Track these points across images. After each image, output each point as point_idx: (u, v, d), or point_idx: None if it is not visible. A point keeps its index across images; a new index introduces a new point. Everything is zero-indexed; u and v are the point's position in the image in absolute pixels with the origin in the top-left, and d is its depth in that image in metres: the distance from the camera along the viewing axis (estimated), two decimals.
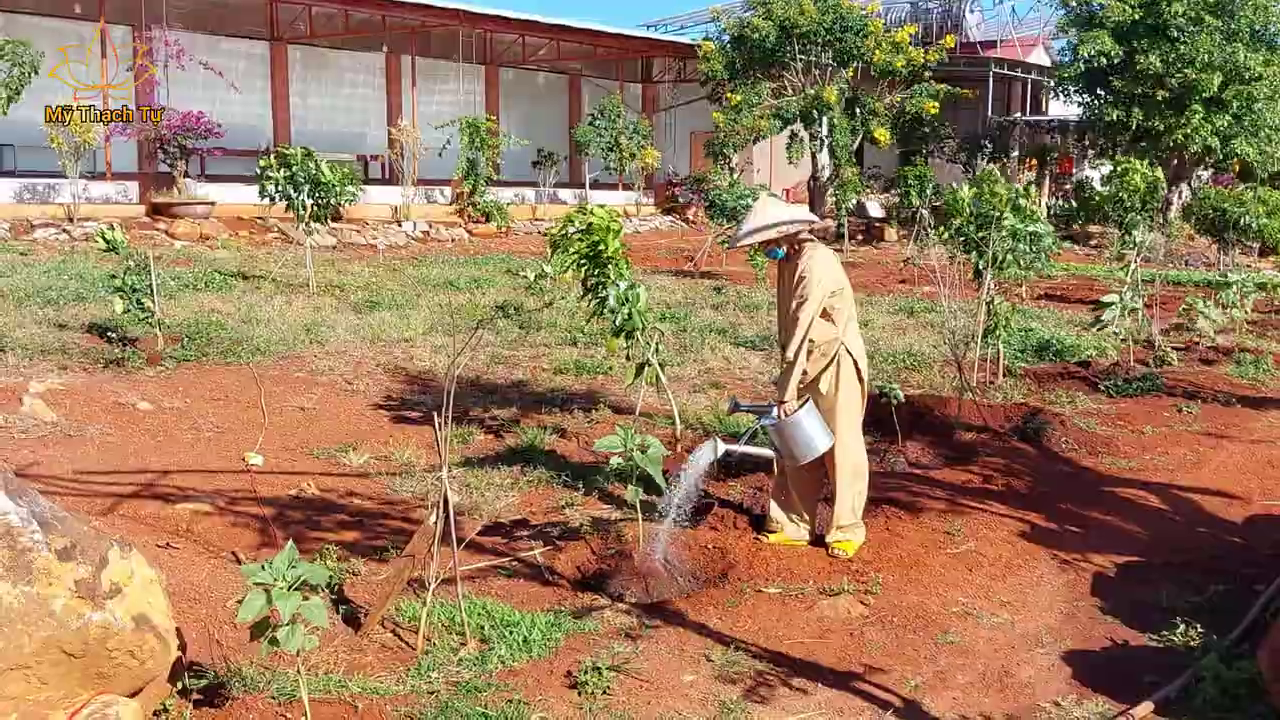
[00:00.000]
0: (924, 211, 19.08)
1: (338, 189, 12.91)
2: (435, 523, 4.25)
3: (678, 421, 6.62)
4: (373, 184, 21.02)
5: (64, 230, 15.73)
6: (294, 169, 12.68)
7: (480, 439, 7.51)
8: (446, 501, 4.27)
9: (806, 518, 5.58)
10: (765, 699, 4.06)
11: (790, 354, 5.23)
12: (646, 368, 7.07)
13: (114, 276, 9.39)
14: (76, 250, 14.65)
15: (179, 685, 3.59)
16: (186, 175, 17.86)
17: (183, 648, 3.64)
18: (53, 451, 6.63)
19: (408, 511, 6.01)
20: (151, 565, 3.51)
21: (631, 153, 24.41)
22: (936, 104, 23.75)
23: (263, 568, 3.38)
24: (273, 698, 3.63)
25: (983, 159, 27.22)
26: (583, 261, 6.28)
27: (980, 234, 8.62)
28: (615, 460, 5.16)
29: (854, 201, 22.87)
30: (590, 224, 6.08)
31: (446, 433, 4.25)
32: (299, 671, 3.54)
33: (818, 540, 5.51)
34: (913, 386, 9.18)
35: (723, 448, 5.30)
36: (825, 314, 5.30)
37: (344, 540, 5.48)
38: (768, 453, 5.51)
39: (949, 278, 8.61)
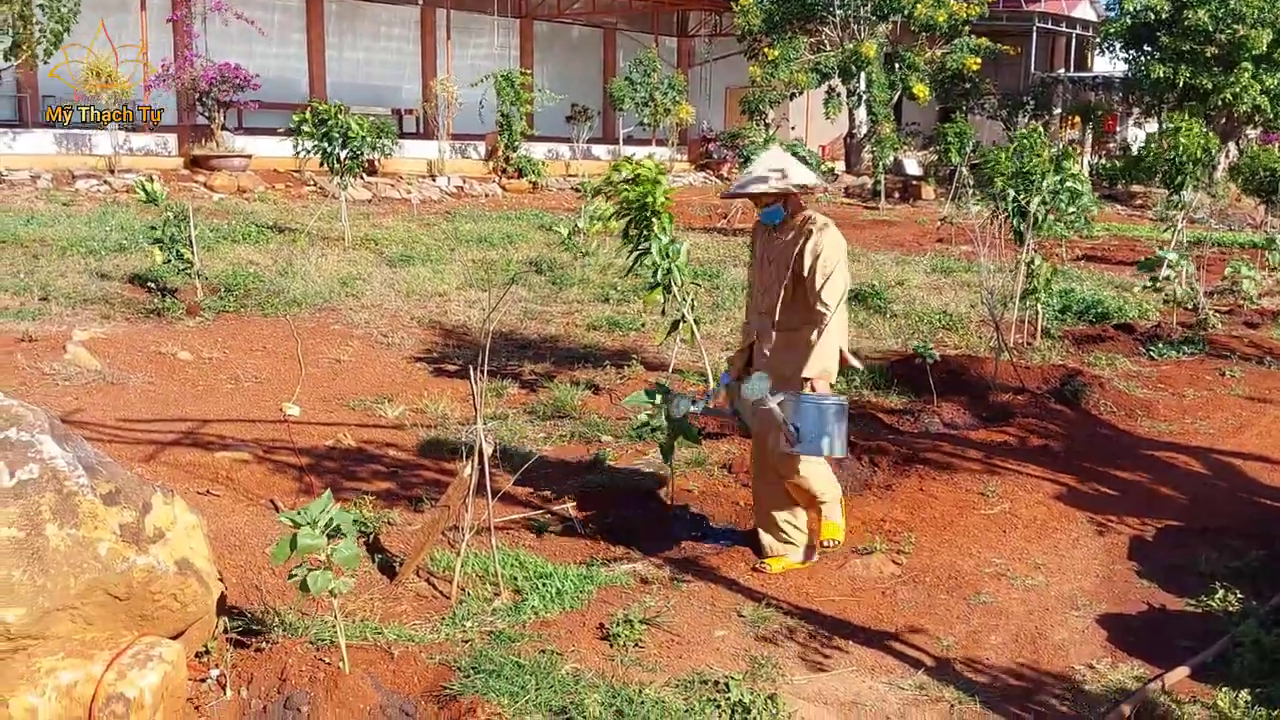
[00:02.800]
0: (963, 170, 18.82)
1: (369, 142, 12.95)
2: (470, 474, 4.28)
3: (710, 378, 6.62)
4: (407, 138, 20.96)
5: (105, 181, 15.83)
6: (328, 124, 12.70)
7: (514, 393, 7.54)
8: (481, 454, 4.30)
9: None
10: (796, 655, 4.07)
11: (822, 334, 4.65)
12: (680, 324, 7.05)
13: (154, 228, 9.47)
14: (117, 201, 14.75)
15: (220, 628, 3.66)
16: (224, 128, 17.91)
17: (223, 592, 3.70)
18: (96, 399, 6.73)
19: (442, 463, 6.05)
20: (193, 511, 3.56)
21: (666, 108, 24.17)
22: (978, 60, 23.34)
23: (298, 514, 3.44)
24: (311, 642, 3.69)
25: (1024, 116, 26.78)
26: (627, 212, 6.23)
27: (1022, 195, 8.50)
28: (644, 416, 5.17)
29: (891, 159, 22.57)
30: (638, 174, 6.03)
31: (481, 386, 4.27)
32: (336, 617, 3.59)
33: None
34: (949, 346, 9.11)
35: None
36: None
37: (380, 490, 5.54)
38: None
39: (987, 237, 8.52)
